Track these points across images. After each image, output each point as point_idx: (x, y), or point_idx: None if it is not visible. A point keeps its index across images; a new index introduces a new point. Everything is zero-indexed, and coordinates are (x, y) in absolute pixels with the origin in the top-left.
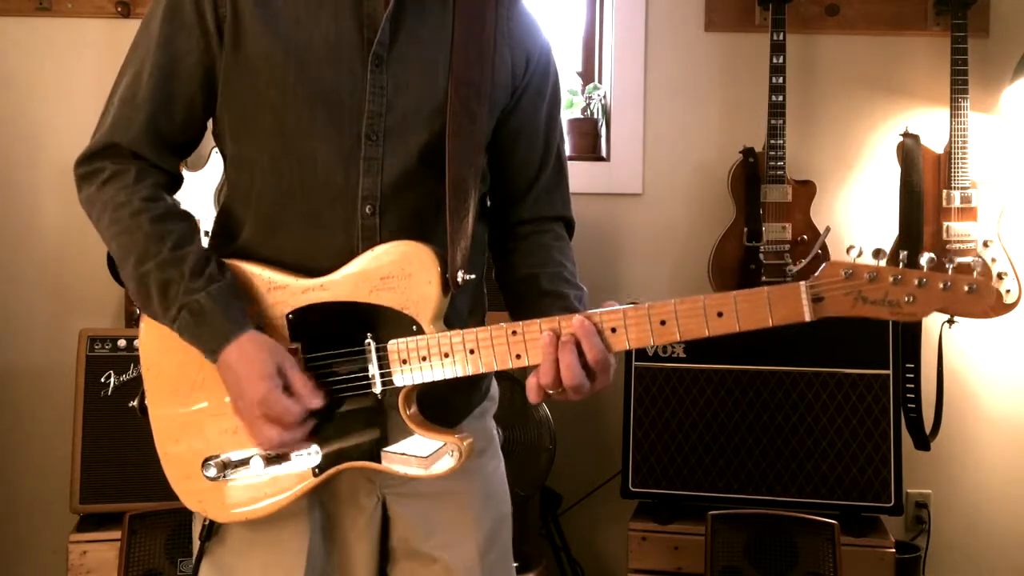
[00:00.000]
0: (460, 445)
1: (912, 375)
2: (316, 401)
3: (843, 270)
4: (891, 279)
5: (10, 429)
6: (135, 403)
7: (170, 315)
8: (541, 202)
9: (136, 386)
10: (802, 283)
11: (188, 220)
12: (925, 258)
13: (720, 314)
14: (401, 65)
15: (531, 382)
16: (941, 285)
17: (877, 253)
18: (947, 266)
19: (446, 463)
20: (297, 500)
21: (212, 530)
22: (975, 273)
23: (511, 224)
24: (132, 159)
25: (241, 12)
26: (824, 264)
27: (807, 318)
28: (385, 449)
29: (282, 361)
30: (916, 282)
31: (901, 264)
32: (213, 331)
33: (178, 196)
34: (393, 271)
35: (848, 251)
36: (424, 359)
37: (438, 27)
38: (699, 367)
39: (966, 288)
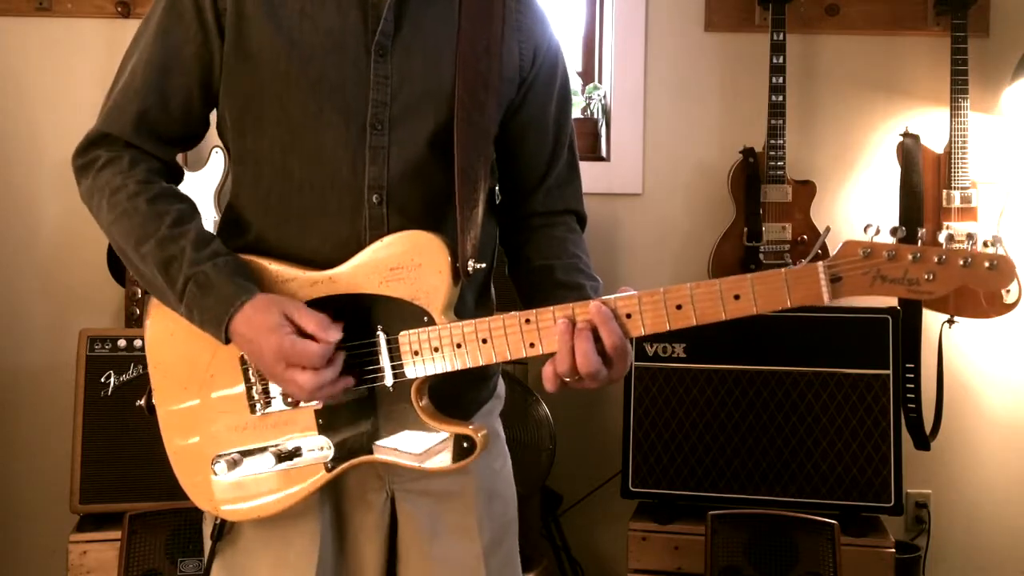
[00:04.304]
0: (476, 436)
1: (912, 375)
2: (333, 334)
3: (861, 249)
4: (910, 257)
5: (10, 429)
6: (142, 402)
7: (176, 291)
8: (553, 196)
9: (136, 386)
10: (820, 263)
11: (186, 201)
12: (944, 235)
13: (737, 297)
14: (406, 55)
15: (547, 371)
16: (961, 262)
17: (895, 231)
18: (967, 244)
19: (461, 454)
20: (307, 498)
21: (223, 529)
22: (996, 249)
23: (523, 218)
24: (125, 147)
25: (244, 5)
26: (841, 243)
27: (826, 299)
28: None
29: (287, 309)
30: (936, 259)
31: (920, 242)
32: (218, 300)
33: None
34: (402, 261)
35: (865, 230)
36: (436, 350)
37: (444, 18)
38: (699, 367)
39: (987, 264)
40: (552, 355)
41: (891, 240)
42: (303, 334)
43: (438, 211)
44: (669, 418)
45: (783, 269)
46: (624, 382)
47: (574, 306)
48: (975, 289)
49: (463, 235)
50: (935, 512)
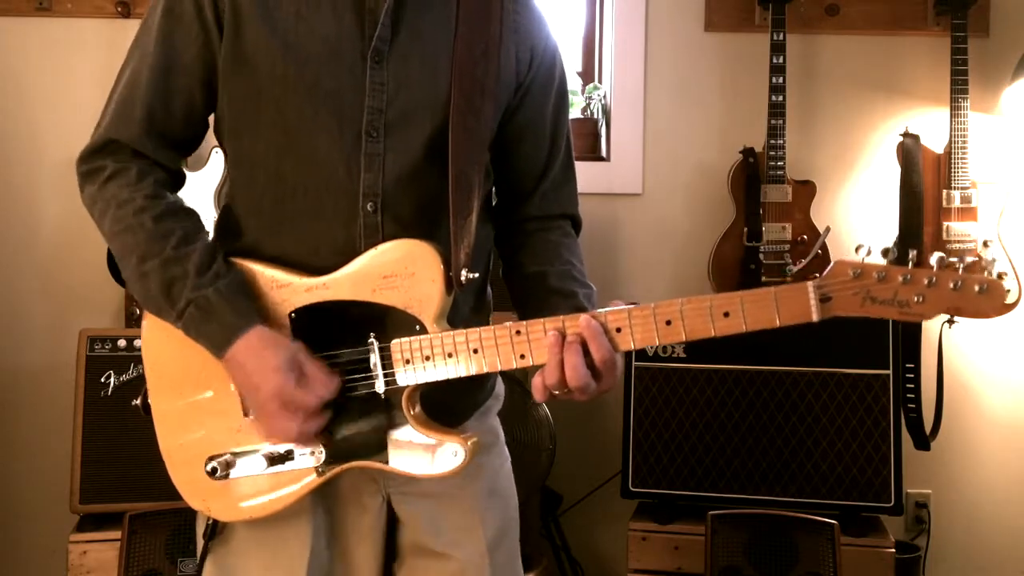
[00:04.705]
0: (465, 445)
1: (912, 375)
2: (332, 388)
3: (851, 269)
4: (901, 279)
5: (10, 429)
6: (138, 402)
7: (176, 310)
8: (548, 199)
9: (136, 386)
10: (809, 283)
11: (192, 217)
12: (935, 257)
13: (726, 314)
14: (402, 61)
15: (537, 382)
16: (951, 285)
17: (886, 252)
18: (958, 266)
19: (450, 462)
20: (300, 500)
21: (216, 530)
22: (986, 272)
23: (518, 222)
24: (133, 156)
25: (240, 7)
26: (832, 263)
27: (814, 318)
28: (393, 451)
29: (294, 351)
30: (926, 281)
31: (910, 263)
32: (221, 327)
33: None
34: (396, 270)
35: (857, 250)
36: (427, 359)
37: (441, 22)
38: (699, 367)
39: (977, 288)
40: (543, 366)
41: (882, 261)
42: (301, 380)
43: (433, 218)
44: (669, 418)
45: (773, 288)
46: (624, 382)
47: (564, 319)
48: (967, 313)
49: (457, 244)
50: (935, 512)
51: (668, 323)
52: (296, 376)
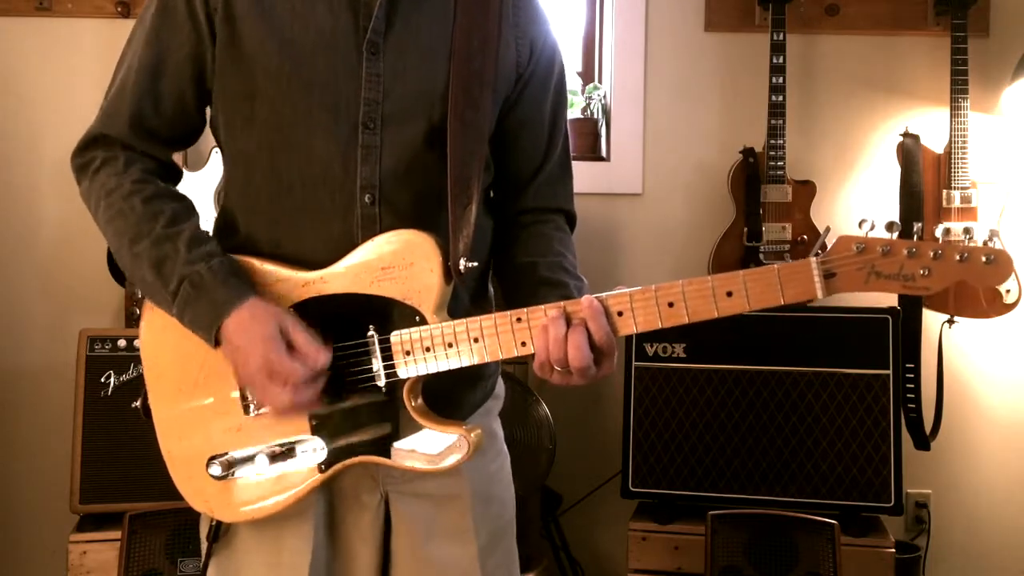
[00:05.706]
0: (468, 437)
1: (912, 375)
2: (322, 358)
3: (855, 244)
4: (905, 252)
5: (10, 429)
6: (137, 404)
7: (170, 290)
8: (543, 193)
9: (136, 386)
10: (813, 259)
11: (182, 200)
12: (940, 229)
13: (729, 294)
14: (398, 53)
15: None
16: (958, 256)
17: (890, 226)
18: (965, 238)
19: (453, 454)
20: (302, 499)
21: (219, 531)
22: (993, 244)
23: (512, 214)
24: (121, 148)
25: (235, 6)
26: (835, 238)
27: (819, 295)
28: (395, 445)
29: (283, 321)
30: (931, 254)
31: (915, 237)
32: (212, 303)
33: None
34: (394, 261)
35: (860, 225)
36: (428, 350)
37: (438, 15)
38: (699, 367)
39: (983, 259)
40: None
41: (886, 235)
42: (292, 348)
43: (431, 210)
44: (669, 418)
45: (776, 265)
46: (624, 382)
47: (565, 303)
48: (972, 284)
49: (455, 234)
50: (935, 512)
51: (671, 305)
52: (284, 345)
